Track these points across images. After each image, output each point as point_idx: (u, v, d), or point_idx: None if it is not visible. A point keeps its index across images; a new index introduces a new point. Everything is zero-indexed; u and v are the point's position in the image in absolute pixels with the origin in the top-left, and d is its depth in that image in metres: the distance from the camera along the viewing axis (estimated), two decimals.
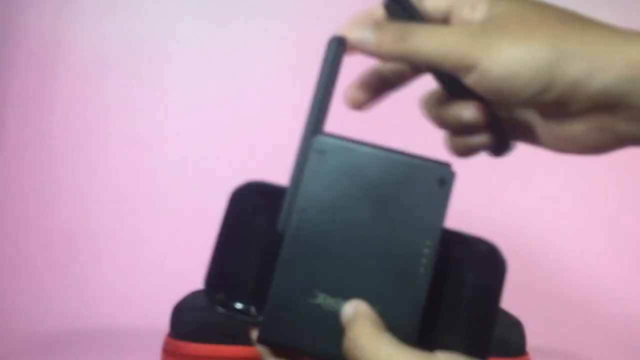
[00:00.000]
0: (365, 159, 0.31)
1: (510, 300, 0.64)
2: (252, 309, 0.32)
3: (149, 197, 0.87)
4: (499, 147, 0.34)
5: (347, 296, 0.30)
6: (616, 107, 0.28)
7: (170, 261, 0.60)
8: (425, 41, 0.30)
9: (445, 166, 0.31)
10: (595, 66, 0.28)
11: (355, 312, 0.29)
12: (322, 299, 0.30)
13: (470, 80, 0.29)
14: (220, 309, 0.32)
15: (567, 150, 0.32)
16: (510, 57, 0.28)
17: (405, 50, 0.30)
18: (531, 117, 0.33)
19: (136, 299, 0.80)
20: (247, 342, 0.54)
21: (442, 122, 0.34)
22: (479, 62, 0.29)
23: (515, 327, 0.60)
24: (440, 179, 0.31)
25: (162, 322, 0.59)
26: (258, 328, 0.31)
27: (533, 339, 0.61)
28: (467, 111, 0.32)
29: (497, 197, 0.89)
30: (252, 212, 0.33)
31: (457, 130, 0.34)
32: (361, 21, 0.32)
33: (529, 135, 0.34)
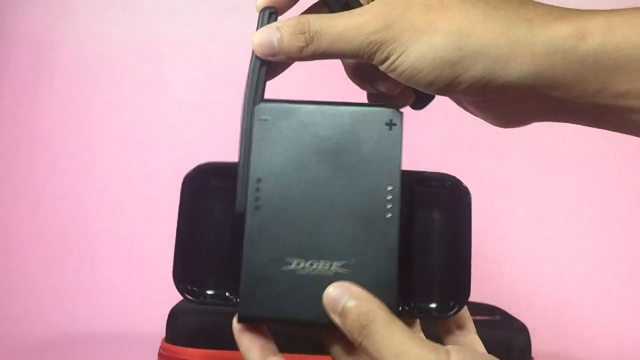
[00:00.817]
0: (310, 116, 0.31)
1: (515, 305, 0.64)
2: (226, 293, 0.32)
3: (144, 199, 0.86)
4: (418, 103, 0.35)
5: (320, 256, 0.30)
6: (524, 96, 0.29)
7: (166, 264, 0.59)
8: (332, 42, 0.30)
9: (391, 108, 0.31)
10: (499, 64, 0.28)
11: (355, 294, 0.28)
12: (295, 264, 0.30)
13: (382, 69, 0.30)
14: (192, 300, 0.32)
15: (491, 123, 0.33)
16: (413, 56, 0.28)
17: (313, 53, 0.30)
18: None
19: (132, 303, 0.79)
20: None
21: (362, 85, 0.35)
22: (385, 59, 0.29)
23: (520, 332, 0.58)
24: (388, 121, 0.31)
25: (158, 326, 0.59)
26: (236, 308, 0.30)
27: (538, 344, 0.60)
28: (384, 84, 0.33)
29: (499, 199, 0.89)
30: (206, 195, 0.33)
31: (376, 95, 0.35)
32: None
33: (457, 102, 0.34)
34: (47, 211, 0.87)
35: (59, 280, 0.83)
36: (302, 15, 0.31)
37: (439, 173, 0.33)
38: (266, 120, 0.31)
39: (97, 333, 0.77)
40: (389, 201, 0.30)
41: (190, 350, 0.55)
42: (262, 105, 0.31)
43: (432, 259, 0.32)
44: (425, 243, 0.32)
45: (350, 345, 0.30)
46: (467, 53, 0.28)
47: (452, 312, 0.32)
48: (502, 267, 0.85)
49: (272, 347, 0.31)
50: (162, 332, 0.58)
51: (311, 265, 0.30)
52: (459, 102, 0.33)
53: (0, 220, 0.86)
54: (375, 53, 0.29)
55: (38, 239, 0.85)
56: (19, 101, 0.89)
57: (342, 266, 0.30)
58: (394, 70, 0.29)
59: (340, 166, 0.30)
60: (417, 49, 0.28)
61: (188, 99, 0.91)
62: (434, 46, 0.28)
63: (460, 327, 0.33)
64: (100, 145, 0.89)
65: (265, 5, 0.32)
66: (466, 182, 0.33)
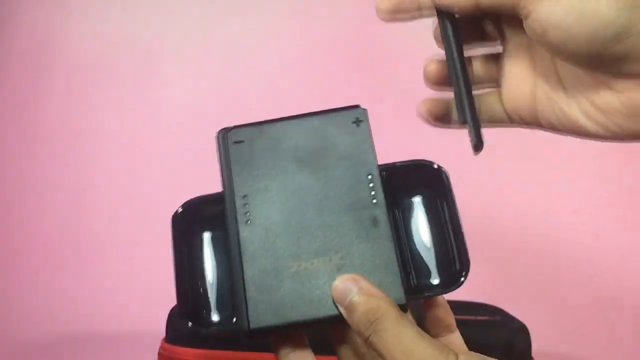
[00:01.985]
0: (282, 130, 0.33)
1: (516, 305, 0.64)
2: (233, 318, 0.32)
3: (144, 198, 0.86)
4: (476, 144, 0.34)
5: (317, 254, 0.30)
6: None
7: (166, 265, 0.59)
8: None
9: (354, 107, 0.33)
10: None
11: (364, 288, 0.28)
12: (296, 266, 0.30)
13: (526, 25, 0.29)
14: (203, 329, 0.32)
15: (601, 136, 0.31)
16: (564, 11, 0.27)
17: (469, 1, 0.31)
18: (567, 75, 0.32)
19: (132, 303, 0.79)
20: (243, 347, 0.55)
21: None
22: (531, 11, 0.28)
23: (520, 332, 0.58)
24: (354, 119, 0.33)
25: (158, 326, 0.59)
26: (247, 323, 0.30)
27: (539, 344, 0.59)
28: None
29: (502, 199, 0.89)
30: (197, 228, 0.33)
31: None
32: None
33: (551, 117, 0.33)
34: (47, 211, 0.87)
35: (59, 280, 0.83)
36: None
37: (411, 160, 0.34)
38: (242, 142, 0.33)
39: (97, 333, 0.77)
40: (372, 188, 0.31)
41: (190, 350, 0.55)
42: (234, 130, 0.33)
43: (426, 239, 0.33)
44: (415, 226, 0.33)
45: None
46: (629, 12, 0.27)
47: (456, 285, 0.32)
48: (502, 267, 0.85)
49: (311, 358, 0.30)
50: (162, 332, 0.58)
51: (312, 264, 0.30)
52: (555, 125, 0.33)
53: (1, 220, 0.85)
54: (518, 7, 0.29)
55: (38, 239, 0.85)
56: (19, 101, 0.90)
57: (340, 258, 0.30)
58: (538, 26, 0.29)
59: (319, 168, 0.32)
60: (573, 4, 0.27)
61: (188, 99, 0.91)
62: (597, 8, 0.27)
63: (447, 326, 0.34)
64: (101, 145, 0.89)
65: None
66: (463, 177, 0.33)
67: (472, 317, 0.59)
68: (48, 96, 0.90)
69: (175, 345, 0.56)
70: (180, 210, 0.33)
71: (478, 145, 0.33)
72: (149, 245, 0.83)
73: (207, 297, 0.33)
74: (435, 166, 0.34)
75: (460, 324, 0.35)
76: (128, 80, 0.91)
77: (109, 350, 0.74)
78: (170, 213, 0.34)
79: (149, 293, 0.77)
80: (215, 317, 0.32)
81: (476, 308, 0.62)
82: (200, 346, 0.55)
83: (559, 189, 0.90)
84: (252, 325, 0.30)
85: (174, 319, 0.57)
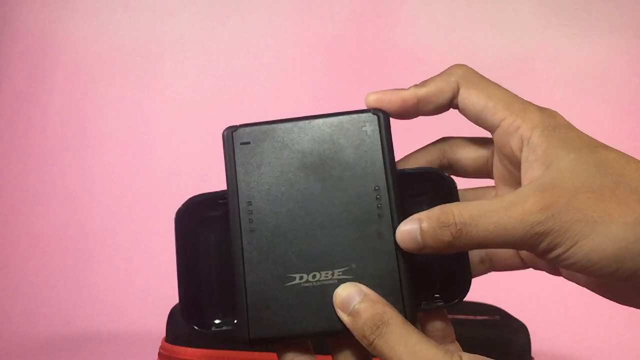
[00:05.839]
0: (289, 133, 0.31)
1: (515, 304, 0.64)
2: (234, 320, 0.32)
3: (144, 198, 0.86)
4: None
5: (320, 267, 0.30)
6: None
7: (166, 264, 0.59)
8: (488, 235, 0.27)
9: (367, 112, 0.32)
10: None
11: (368, 295, 0.28)
12: (297, 279, 0.30)
13: (545, 258, 0.28)
14: (203, 331, 0.32)
15: (609, 299, 0.33)
16: (587, 248, 0.26)
17: (463, 247, 0.28)
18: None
19: (132, 303, 0.79)
20: (242, 346, 0.54)
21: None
22: (551, 249, 0.27)
23: (520, 332, 0.58)
24: (364, 125, 0.31)
25: (158, 326, 0.59)
26: (247, 332, 0.30)
27: (538, 344, 0.60)
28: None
29: None
30: (200, 227, 0.33)
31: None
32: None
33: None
34: (47, 211, 0.87)
35: (60, 280, 0.83)
36: (445, 206, 0.29)
37: (419, 168, 0.33)
38: (248, 143, 0.31)
39: (97, 333, 0.77)
40: (378, 200, 0.30)
41: (190, 350, 0.55)
42: (240, 130, 0.32)
43: (429, 257, 0.32)
44: None
45: (360, 354, 0.30)
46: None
47: (456, 301, 0.32)
48: None
49: None
50: (162, 331, 0.58)
51: (313, 277, 0.30)
52: (573, 278, 0.33)
53: (1, 220, 0.85)
54: (539, 244, 0.27)
55: (38, 239, 0.85)
56: (19, 100, 0.89)
57: (343, 273, 0.30)
58: (563, 261, 0.27)
59: (326, 176, 0.31)
60: (591, 241, 0.26)
61: (188, 99, 0.91)
62: (612, 238, 0.26)
63: (446, 337, 0.33)
64: (100, 145, 0.89)
65: (374, 105, 0.32)
66: (462, 180, 0.33)
67: (472, 317, 0.59)
68: (48, 96, 0.90)
69: (175, 345, 0.56)
70: (182, 208, 0.33)
71: None
72: (148, 245, 0.83)
73: (208, 298, 0.32)
74: (444, 176, 0.32)
75: (460, 324, 0.35)
76: (129, 81, 0.91)
77: (109, 350, 0.74)
78: (170, 213, 0.34)
79: (149, 293, 0.77)
80: (216, 319, 0.32)
81: (476, 307, 0.62)
82: (200, 345, 0.54)
83: None
84: (252, 335, 0.30)
85: (174, 318, 0.57)
